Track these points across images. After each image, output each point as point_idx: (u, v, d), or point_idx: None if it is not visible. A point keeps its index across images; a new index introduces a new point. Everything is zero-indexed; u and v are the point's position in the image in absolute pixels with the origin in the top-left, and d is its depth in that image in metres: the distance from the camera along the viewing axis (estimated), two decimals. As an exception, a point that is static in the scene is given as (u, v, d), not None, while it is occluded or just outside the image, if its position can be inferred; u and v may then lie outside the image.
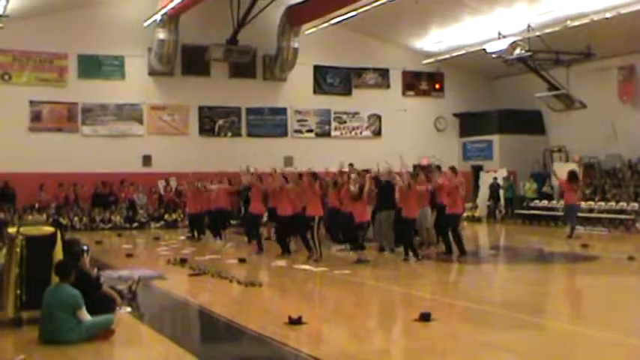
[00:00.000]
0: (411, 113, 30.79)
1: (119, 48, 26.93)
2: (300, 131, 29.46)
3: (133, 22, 26.42)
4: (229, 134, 28.47)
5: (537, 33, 24.17)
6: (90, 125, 26.69)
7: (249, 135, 28.67)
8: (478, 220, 27.61)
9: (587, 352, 7.74)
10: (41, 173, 25.14)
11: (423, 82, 31.40)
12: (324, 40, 28.29)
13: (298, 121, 29.49)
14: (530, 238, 21.76)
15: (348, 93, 30.22)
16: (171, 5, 23.92)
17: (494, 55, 25.80)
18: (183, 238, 21.07)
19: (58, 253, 8.71)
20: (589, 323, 9.06)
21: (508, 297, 11.46)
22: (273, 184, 16.53)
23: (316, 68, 29.66)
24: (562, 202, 22.02)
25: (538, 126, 29.66)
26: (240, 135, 28.60)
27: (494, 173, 28.55)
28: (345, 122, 30.14)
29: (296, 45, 27.79)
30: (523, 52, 24.97)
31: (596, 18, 21.97)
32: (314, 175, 15.73)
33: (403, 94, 31.12)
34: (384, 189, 16.03)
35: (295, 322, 8.52)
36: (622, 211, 23.10)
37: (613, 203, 23.57)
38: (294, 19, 27.17)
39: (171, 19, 25.77)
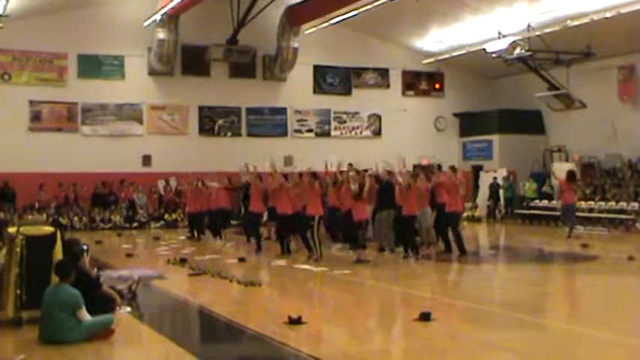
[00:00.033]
0: (411, 113, 30.79)
1: (119, 48, 26.93)
2: (300, 131, 29.47)
3: (132, 22, 26.43)
4: (229, 134, 28.47)
5: (537, 33, 24.17)
6: (90, 125, 26.69)
7: (249, 135, 28.67)
8: (478, 219, 27.60)
9: (587, 352, 7.73)
10: (41, 173, 25.13)
11: (423, 81, 31.39)
12: (324, 40, 28.29)
13: (298, 120, 29.50)
14: (530, 237, 21.76)
15: (348, 93, 30.22)
16: (171, 5, 23.92)
17: (494, 55, 25.81)
18: (183, 237, 21.06)
19: (58, 253, 8.71)
20: (589, 323, 9.06)
21: (508, 297, 11.46)
22: (273, 183, 16.53)
23: (316, 68, 29.67)
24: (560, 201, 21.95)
25: (538, 126, 29.66)
26: (240, 135, 28.60)
27: (494, 173, 28.55)
28: (345, 122, 30.14)
29: (296, 45, 27.79)
30: (523, 51, 24.98)
31: (596, 18, 21.96)
32: (314, 175, 15.73)
33: (403, 93, 31.11)
34: (384, 188, 16.04)
35: (295, 321, 8.52)
36: (622, 211, 23.09)
37: (613, 203, 23.56)
38: (293, 18, 27.17)
39: (171, 19, 25.77)
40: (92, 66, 26.67)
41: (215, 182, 20.01)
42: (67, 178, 25.76)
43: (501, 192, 27.97)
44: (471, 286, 12.99)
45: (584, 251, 17.09)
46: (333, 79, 29.98)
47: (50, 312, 7.83)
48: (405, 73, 30.99)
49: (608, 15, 21.66)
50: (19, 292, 8.51)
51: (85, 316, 7.91)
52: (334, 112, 29.98)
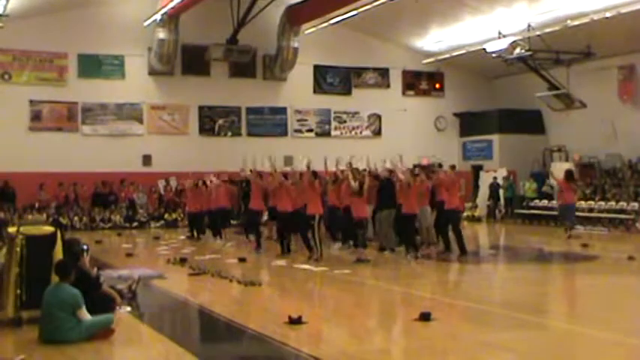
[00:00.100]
0: (411, 113, 30.79)
1: (119, 47, 26.93)
2: (300, 131, 29.47)
3: (133, 22, 26.43)
4: (229, 134, 28.47)
5: (537, 32, 24.18)
6: (90, 125, 26.69)
7: (249, 134, 28.67)
8: (478, 219, 27.60)
9: (587, 352, 7.73)
10: (41, 173, 25.14)
11: (423, 81, 31.39)
12: (324, 40, 28.29)
13: (298, 120, 29.50)
14: (530, 237, 21.76)
15: (348, 93, 30.23)
16: (171, 5, 23.92)
17: (494, 55, 25.82)
18: (183, 237, 21.06)
19: (58, 253, 8.71)
20: (589, 323, 9.06)
21: (508, 296, 11.45)
22: (273, 182, 16.53)
23: (316, 68, 29.67)
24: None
25: (538, 125, 29.66)
26: (240, 135, 28.60)
27: (494, 173, 28.55)
28: (345, 122, 30.14)
29: (296, 45, 27.79)
30: (523, 51, 24.99)
31: (596, 17, 21.97)
32: (314, 174, 15.73)
33: (403, 93, 31.12)
34: (384, 187, 16.03)
35: (295, 321, 8.52)
36: (622, 211, 23.09)
37: (613, 203, 23.57)
38: (294, 18, 27.17)
39: (171, 19, 25.77)
40: (92, 66, 26.67)
41: (214, 178, 19.98)
42: (67, 178, 25.76)
43: (501, 192, 27.98)
44: (471, 285, 12.99)
45: (584, 251, 17.10)
46: (333, 79, 29.98)
47: (50, 312, 7.83)
48: (405, 73, 31.00)
49: (608, 15, 21.66)
50: (19, 291, 8.51)
51: (85, 315, 7.91)
52: (334, 112, 29.99)
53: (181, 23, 26.14)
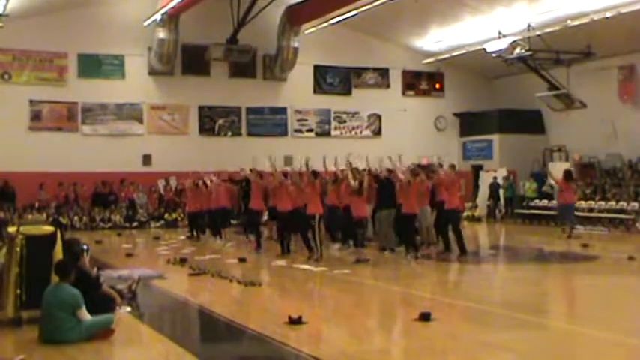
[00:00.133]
0: (411, 113, 30.79)
1: (119, 47, 26.94)
2: (300, 131, 29.47)
3: (133, 22, 26.43)
4: (229, 134, 28.47)
5: (537, 32, 24.18)
6: (90, 125, 26.70)
7: (249, 134, 28.67)
8: (478, 219, 27.60)
9: (587, 352, 7.74)
10: (41, 172, 25.14)
11: (423, 81, 31.40)
12: (324, 40, 28.29)
13: (298, 120, 29.50)
14: (530, 237, 21.75)
15: (348, 93, 30.23)
16: (171, 5, 23.93)
17: (494, 55, 25.82)
18: (183, 237, 21.06)
19: (58, 253, 8.71)
20: (589, 323, 9.06)
21: (508, 296, 11.45)
22: (273, 182, 16.53)
23: (316, 68, 29.67)
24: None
25: (538, 125, 29.66)
26: (240, 134, 28.61)
27: (494, 173, 28.55)
28: (345, 122, 30.15)
29: (296, 44, 27.79)
30: (523, 51, 24.98)
31: (596, 17, 21.97)
32: (314, 173, 15.73)
33: (403, 93, 31.12)
34: (384, 187, 16.03)
35: (295, 321, 8.52)
36: (622, 211, 23.09)
37: (613, 203, 23.56)
38: (294, 18, 27.17)
39: (171, 19, 25.78)
40: (92, 65, 26.68)
41: (214, 178, 19.96)
42: (67, 178, 25.77)
43: (501, 192, 27.98)
44: (471, 285, 12.99)
45: (584, 251, 17.10)
46: (333, 79, 29.99)
47: (50, 311, 7.83)
48: (405, 73, 31.00)
49: (608, 15, 21.66)
50: (19, 291, 8.51)
51: (85, 315, 7.90)
52: (334, 112, 29.99)
53: (181, 23, 26.15)
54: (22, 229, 8.80)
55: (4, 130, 25.03)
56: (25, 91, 25.78)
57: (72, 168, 25.68)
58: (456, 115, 31.68)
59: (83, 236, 15.73)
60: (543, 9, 23.39)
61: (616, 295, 11.42)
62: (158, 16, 25.39)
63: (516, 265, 16.03)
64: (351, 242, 16.33)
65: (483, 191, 28.94)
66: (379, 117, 30.55)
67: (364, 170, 16.74)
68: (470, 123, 31.33)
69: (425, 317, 8.67)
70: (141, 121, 27.36)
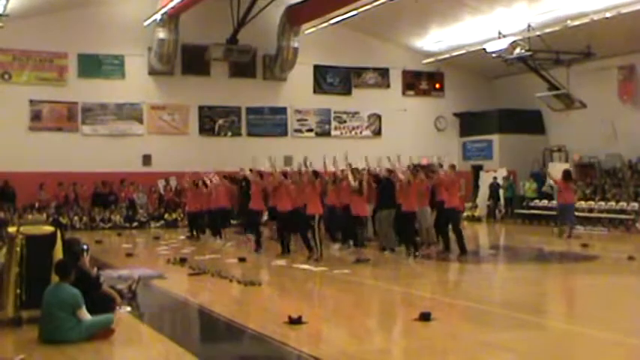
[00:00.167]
0: (411, 113, 30.80)
1: (119, 47, 26.94)
2: (300, 131, 29.47)
3: (133, 22, 26.43)
4: (229, 134, 28.47)
5: (537, 32, 24.18)
6: (90, 125, 26.70)
7: (249, 134, 28.68)
8: (478, 219, 27.61)
9: (587, 352, 7.73)
10: (41, 172, 25.14)
11: (423, 81, 31.40)
12: (324, 40, 28.30)
13: (298, 120, 29.50)
14: (530, 237, 21.74)
15: (348, 92, 30.23)
16: (171, 5, 23.93)
17: (494, 55, 25.81)
18: (183, 237, 21.06)
19: (58, 253, 8.71)
20: (589, 323, 9.05)
21: (508, 296, 11.45)
22: (273, 182, 16.53)
23: (316, 68, 29.67)
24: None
25: (538, 126, 29.66)
26: (240, 134, 28.61)
27: (494, 173, 28.55)
28: (345, 122, 30.15)
29: (296, 44, 27.80)
30: (523, 51, 24.98)
31: (596, 17, 21.97)
32: (314, 173, 15.73)
33: (403, 93, 31.12)
34: (384, 187, 16.03)
35: (295, 321, 8.52)
36: (622, 211, 23.08)
37: (613, 203, 23.55)
38: (294, 18, 27.17)
39: (171, 19, 25.78)
40: (92, 65, 26.68)
41: (214, 177, 19.92)
42: (67, 178, 25.77)
43: (501, 192, 27.97)
44: (471, 285, 12.99)
45: (584, 251, 17.10)
46: (333, 79, 29.99)
47: (50, 311, 7.83)
48: (405, 73, 31.00)
49: (608, 15, 21.66)
50: (19, 291, 8.51)
51: (85, 315, 7.90)
52: (334, 112, 29.99)
53: (181, 23, 26.15)
54: (22, 229, 8.80)
55: (4, 130, 25.03)
56: (25, 91, 25.78)
57: (72, 168, 25.68)
58: (456, 115, 31.68)
59: (83, 236, 15.72)
60: (543, 9, 23.39)
61: (616, 295, 11.42)
62: (158, 16, 25.39)
63: (516, 265, 16.03)
64: (351, 242, 16.33)
65: (483, 191, 28.94)
66: (379, 117, 30.56)
67: (363, 170, 16.75)
68: (470, 123, 31.34)
69: (425, 317, 8.67)
70: (141, 121, 27.36)
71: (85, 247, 9.66)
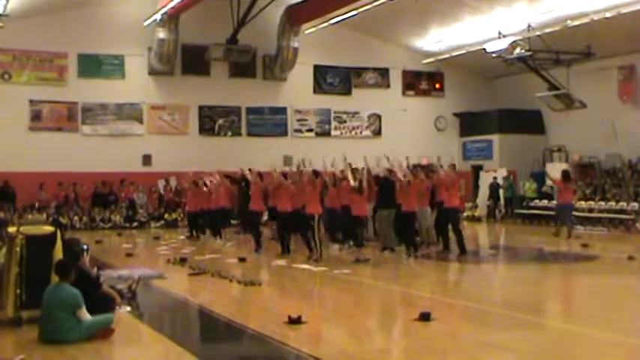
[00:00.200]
0: (411, 113, 30.80)
1: (119, 47, 26.94)
2: (300, 131, 29.47)
3: (133, 22, 26.44)
4: (229, 134, 28.48)
5: (537, 32, 24.18)
6: (90, 125, 26.70)
7: (249, 134, 28.69)
8: (478, 219, 27.61)
9: (587, 352, 7.73)
10: (41, 172, 25.14)
11: (423, 81, 31.40)
12: (324, 40, 28.30)
13: (298, 120, 29.50)
14: (530, 237, 21.74)
15: (348, 92, 30.23)
16: (171, 5, 23.93)
17: (494, 55, 25.82)
18: (183, 237, 21.06)
19: (58, 253, 8.71)
20: (589, 323, 9.05)
21: (508, 296, 11.45)
22: (273, 182, 16.53)
23: (316, 68, 29.67)
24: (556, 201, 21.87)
25: (538, 126, 29.67)
26: (240, 134, 28.62)
27: (494, 173, 28.55)
28: (345, 122, 30.15)
29: (296, 44, 27.80)
30: (523, 51, 24.99)
31: (596, 17, 21.97)
32: (315, 173, 15.72)
33: (403, 93, 31.12)
34: (384, 187, 16.02)
35: (295, 321, 8.52)
36: (622, 211, 23.08)
37: (613, 203, 23.56)
38: (294, 18, 27.17)
39: (171, 19, 25.78)
40: (92, 65, 26.68)
41: (216, 176, 19.90)
42: (67, 178, 25.77)
43: (501, 192, 27.97)
44: (471, 285, 12.99)
45: (584, 251, 17.10)
46: (333, 79, 29.99)
47: (50, 311, 7.83)
48: (405, 73, 31.00)
49: (608, 15, 21.67)
50: (19, 291, 8.51)
51: (85, 315, 7.90)
52: (334, 112, 30.00)
53: (181, 23, 26.15)
54: (22, 229, 8.79)
55: (4, 130, 25.03)
56: (25, 91, 25.78)
57: (72, 168, 25.68)
58: (456, 115, 31.68)
59: (83, 236, 15.71)
60: (543, 9, 23.39)
61: (616, 295, 11.41)
62: (158, 16, 25.39)
63: (516, 265, 16.02)
64: (351, 242, 16.33)
65: (483, 191, 28.95)
66: (379, 117, 30.56)
67: (362, 169, 16.75)
68: (470, 123, 31.34)
69: (425, 317, 8.67)
70: (141, 121, 27.36)
71: (85, 247, 9.66)
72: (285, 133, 29.18)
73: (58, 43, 25.99)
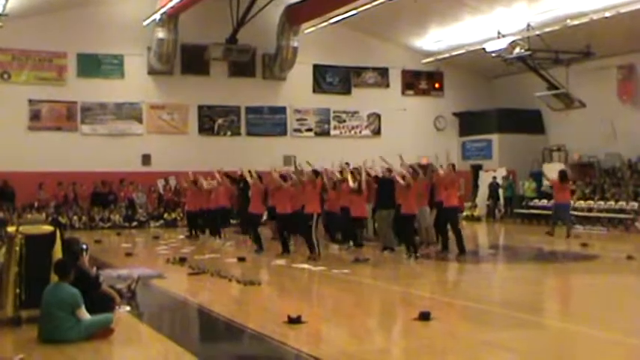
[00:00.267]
0: (411, 112, 30.80)
1: (118, 47, 26.93)
2: (299, 130, 29.47)
3: (132, 21, 26.43)
4: (229, 133, 28.47)
5: (537, 32, 24.20)
6: (89, 124, 26.69)
7: (249, 134, 28.68)
8: (477, 219, 27.62)
9: (587, 352, 7.73)
10: (40, 172, 25.13)
11: (422, 81, 31.40)
12: (324, 39, 28.30)
13: (298, 120, 29.50)
14: (530, 237, 21.73)
15: (348, 92, 30.23)
16: (171, 4, 23.91)
17: (493, 55, 25.83)
18: (182, 237, 21.06)
19: (58, 252, 8.70)
20: (588, 322, 9.05)
21: (507, 296, 11.45)
22: (272, 182, 16.52)
23: (316, 67, 29.67)
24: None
25: (537, 125, 29.67)
26: (239, 134, 28.61)
27: (493, 172, 28.56)
28: (344, 121, 30.15)
29: (295, 44, 27.79)
30: (522, 51, 25.00)
31: (595, 17, 21.98)
32: (315, 172, 15.71)
33: (403, 93, 31.12)
34: (383, 187, 16.02)
35: (294, 321, 8.51)
36: (621, 211, 23.09)
37: (612, 202, 23.57)
38: (293, 18, 27.17)
39: (171, 18, 25.77)
40: (92, 65, 26.67)
41: (217, 175, 19.87)
42: (66, 177, 25.76)
43: (501, 191, 27.99)
44: (471, 285, 12.99)
45: (583, 250, 17.10)
46: (332, 79, 29.99)
47: (49, 311, 7.82)
48: (405, 73, 31.01)
49: (607, 15, 21.67)
50: (18, 291, 8.50)
51: (85, 315, 7.90)
52: (334, 112, 30.00)
53: (181, 23, 26.14)
54: (21, 228, 8.79)
55: (3, 129, 25.02)
56: (24, 91, 25.76)
57: (71, 167, 25.68)
58: (455, 114, 31.69)
59: (82, 236, 15.73)
60: (543, 9, 23.40)
61: (615, 295, 11.41)
62: (157, 16, 25.37)
63: (516, 265, 16.03)
64: (351, 243, 16.33)
65: (483, 191, 28.96)
66: (379, 116, 30.56)
67: (361, 167, 16.75)
68: (469, 123, 31.34)
69: (424, 317, 8.67)
70: (140, 121, 27.36)
71: (84, 246, 9.65)
72: (284, 133, 29.18)
73: (58, 43, 25.98)
